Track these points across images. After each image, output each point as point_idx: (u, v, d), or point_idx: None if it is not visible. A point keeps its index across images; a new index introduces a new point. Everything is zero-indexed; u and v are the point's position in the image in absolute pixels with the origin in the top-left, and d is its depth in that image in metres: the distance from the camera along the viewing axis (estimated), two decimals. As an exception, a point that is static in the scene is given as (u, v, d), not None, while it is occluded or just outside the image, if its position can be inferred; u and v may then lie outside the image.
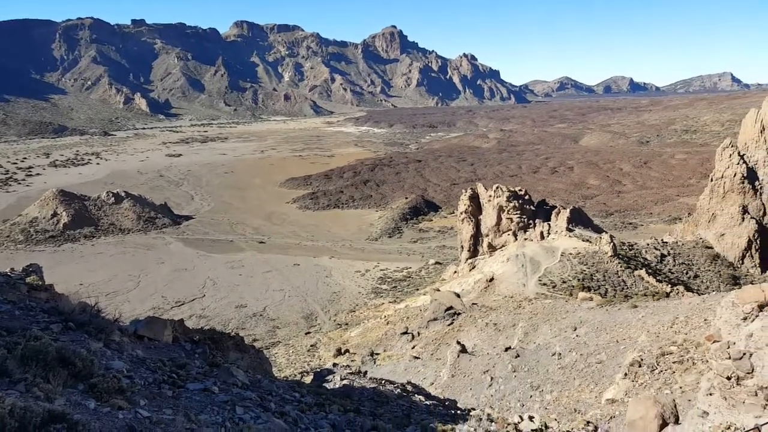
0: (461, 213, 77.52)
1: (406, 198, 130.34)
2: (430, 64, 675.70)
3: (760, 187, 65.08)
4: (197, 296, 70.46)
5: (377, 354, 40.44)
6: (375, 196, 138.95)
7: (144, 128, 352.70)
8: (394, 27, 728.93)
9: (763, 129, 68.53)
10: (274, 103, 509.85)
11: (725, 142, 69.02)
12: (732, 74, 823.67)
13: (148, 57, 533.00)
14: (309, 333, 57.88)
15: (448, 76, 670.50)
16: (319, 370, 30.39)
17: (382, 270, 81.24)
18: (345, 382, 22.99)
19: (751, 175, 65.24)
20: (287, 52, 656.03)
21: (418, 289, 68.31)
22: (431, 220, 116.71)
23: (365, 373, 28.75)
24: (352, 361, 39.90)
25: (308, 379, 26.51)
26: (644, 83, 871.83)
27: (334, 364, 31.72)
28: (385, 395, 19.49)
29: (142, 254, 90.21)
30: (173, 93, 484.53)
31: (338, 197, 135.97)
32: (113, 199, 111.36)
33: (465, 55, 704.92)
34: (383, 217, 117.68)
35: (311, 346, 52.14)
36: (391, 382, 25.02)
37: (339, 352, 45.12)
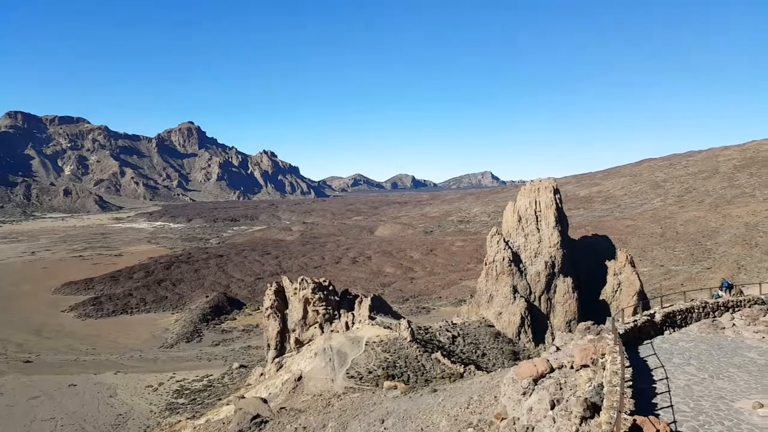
0: (267, 309, 74.92)
1: (207, 296, 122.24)
2: (230, 159, 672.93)
3: (524, 269, 76.00)
4: None
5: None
6: (171, 296, 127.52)
7: None
8: (192, 122, 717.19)
9: (520, 219, 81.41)
10: (51, 199, 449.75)
11: (492, 231, 79.76)
12: (492, 172, 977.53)
13: None
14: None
15: (249, 171, 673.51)
16: None
17: (178, 381, 72.85)
18: None
19: (516, 259, 76.01)
20: (69, 145, 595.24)
21: (220, 399, 62.43)
22: (235, 319, 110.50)
23: None
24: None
25: None
26: (424, 180, 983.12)
27: None
28: None
29: None
30: None
31: (127, 301, 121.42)
32: None
33: (265, 152, 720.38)
34: (180, 319, 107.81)
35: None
36: None
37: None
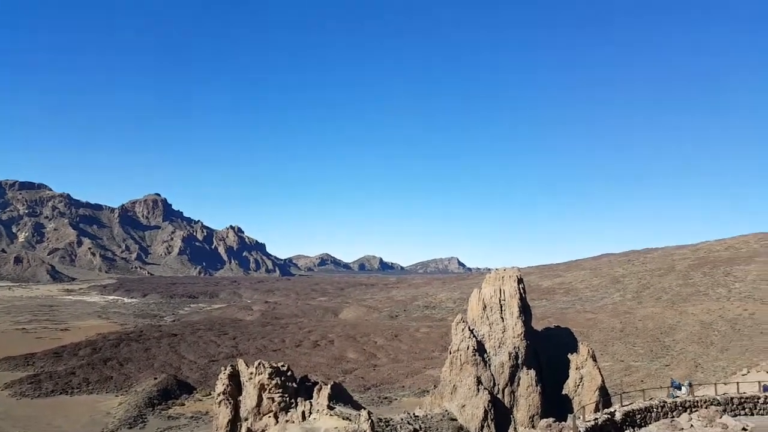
0: (219, 394, 71.00)
1: (155, 378, 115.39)
2: (195, 233, 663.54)
3: (489, 359, 75.10)
4: None
5: None
6: (117, 377, 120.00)
7: None
8: (158, 194, 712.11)
9: (485, 307, 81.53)
10: (0, 266, 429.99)
11: (458, 318, 79.40)
12: (458, 258, 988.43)
13: None
14: None
15: (213, 246, 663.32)
16: None
17: (115, 472, 67.01)
18: None
19: (481, 348, 75.25)
20: (27, 211, 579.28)
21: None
22: (183, 404, 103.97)
23: None
24: None
25: None
26: (392, 263, 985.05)
27: None
28: None
29: None
30: None
31: (68, 380, 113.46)
32: None
33: (232, 227, 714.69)
34: (125, 402, 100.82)
35: None
36: None
37: None
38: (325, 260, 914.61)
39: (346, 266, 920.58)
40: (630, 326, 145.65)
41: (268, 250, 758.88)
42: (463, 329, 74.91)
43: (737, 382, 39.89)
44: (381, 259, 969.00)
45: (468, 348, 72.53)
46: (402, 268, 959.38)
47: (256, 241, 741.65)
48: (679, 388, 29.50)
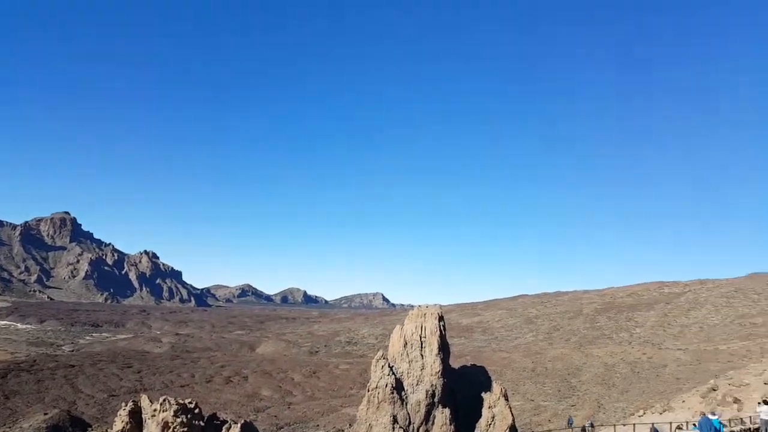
0: (117, 432, 65.79)
1: (46, 414, 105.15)
2: (104, 257, 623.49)
3: (406, 397, 75.04)
4: None
5: None
6: (2, 411, 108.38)
7: None
8: (67, 213, 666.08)
9: (406, 343, 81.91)
10: None
11: (378, 354, 79.14)
12: (383, 294, 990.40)
13: None
14: None
15: (124, 271, 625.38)
16: None
17: None
18: None
19: (399, 386, 75.14)
20: None
21: None
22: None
23: None
24: None
25: None
26: (316, 296, 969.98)
27: None
28: None
29: None
30: None
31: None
32: None
33: (146, 252, 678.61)
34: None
35: None
36: None
37: None
38: (246, 291, 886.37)
39: (268, 298, 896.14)
40: (540, 366, 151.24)
41: (185, 278, 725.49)
42: (383, 366, 74.70)
43: (634, 423, 42.42)
44: (305, 292, 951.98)
45: (386, 385, 72.27)
46: (326, 301, 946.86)
47: (172, 268, 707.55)
48: (571, 424, 30.99)
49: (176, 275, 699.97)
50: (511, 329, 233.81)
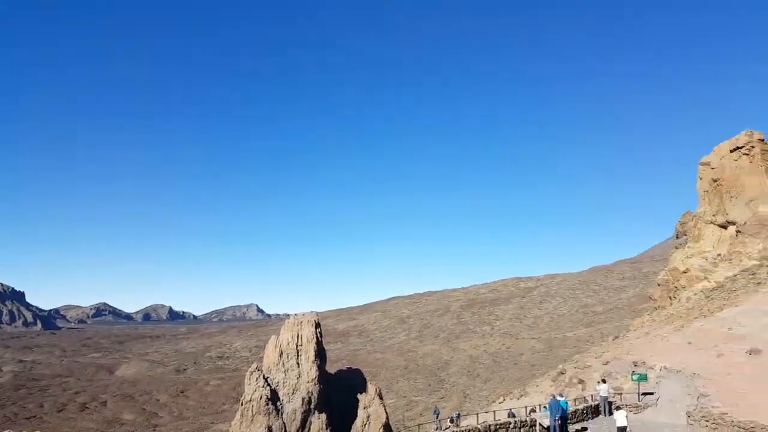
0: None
1: None
2: None
3: (281, 407, 74.55)
4: None
5: None
6: None
7: None
8: None
9: (282, 353, 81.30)
10: None
11: (252, 367, 77.81)
12: (258, 305, 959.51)
13: None
14: None
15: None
16: None
17: None
18: None
19: (274, 396, 74.45)
20: None
21: None
22: None
23: None
24: None
25: None
26: (183, 312, 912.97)
27: None
28: None
29: None
30: None
31: None
32: None
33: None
34: None
35: None
36: None
37: None
38: (102, 311, 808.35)
39: (128, 317, 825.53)
40: (413, 363, 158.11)
41: (29, 299, 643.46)
42: (257, 378, 73.66)
43: (494, 411, 46.51)
44: (170, 308, 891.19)
45: (261, 397, 71.40)
46: (195, 317, 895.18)
47: (13, 288, 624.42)
48: (437, 415, 33.60)
49: (18, 296, 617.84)
50: (385, 330, 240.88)
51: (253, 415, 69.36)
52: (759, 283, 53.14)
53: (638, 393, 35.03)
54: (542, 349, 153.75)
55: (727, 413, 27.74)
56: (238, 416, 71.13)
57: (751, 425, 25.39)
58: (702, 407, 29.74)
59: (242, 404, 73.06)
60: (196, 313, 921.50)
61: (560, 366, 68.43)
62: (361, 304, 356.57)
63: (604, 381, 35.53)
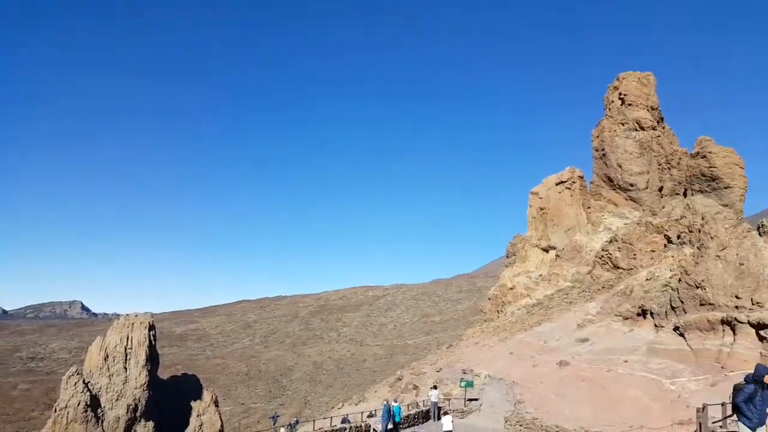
0: None
1: None
2: None
3: (103, 414, 67.93)
4: None
5: None
6: None
7: None
8: None
9: (107, 356, 74.13)
10: None
11: (71, 370, 70.04)
12: (82, 302, 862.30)
13: None
14: None
15: None
16: None
17: None
18: None
19: (95, 403, 67.63)
20: None
21: None
22: None
23: None
24: None
25: None
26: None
27: None
28: None
29: None
30: None
31: None
32: None
33: None
34: None
35: None
36: None
37: None
38: None
39: None
40: (255, 369, 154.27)
41: None
42: (75, 383, 66.58)
43: (332, 417, 47.28)
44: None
45: (79, 404, 64.65)
46: (5, 311, 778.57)
47: None
48: (275, 421, 33.46)
49: None
50: (228, 335, 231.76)
51: (68, 423, 62.41)
52: (571, 303, 61.15)
53: (465, 399, 38.18)
54: (384, 355, 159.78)
55: (537, 418, 31.54)
56: (49, 423, 63.53)
57: (557, 429, 29.21)
58: (518, 413, 33.43)
59: (55, 411, 65.47)
60: (7, 308, 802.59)
61: (398, 372, 71.94)
62: (202, 306, 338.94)
63: (435, 387, 38.08)
